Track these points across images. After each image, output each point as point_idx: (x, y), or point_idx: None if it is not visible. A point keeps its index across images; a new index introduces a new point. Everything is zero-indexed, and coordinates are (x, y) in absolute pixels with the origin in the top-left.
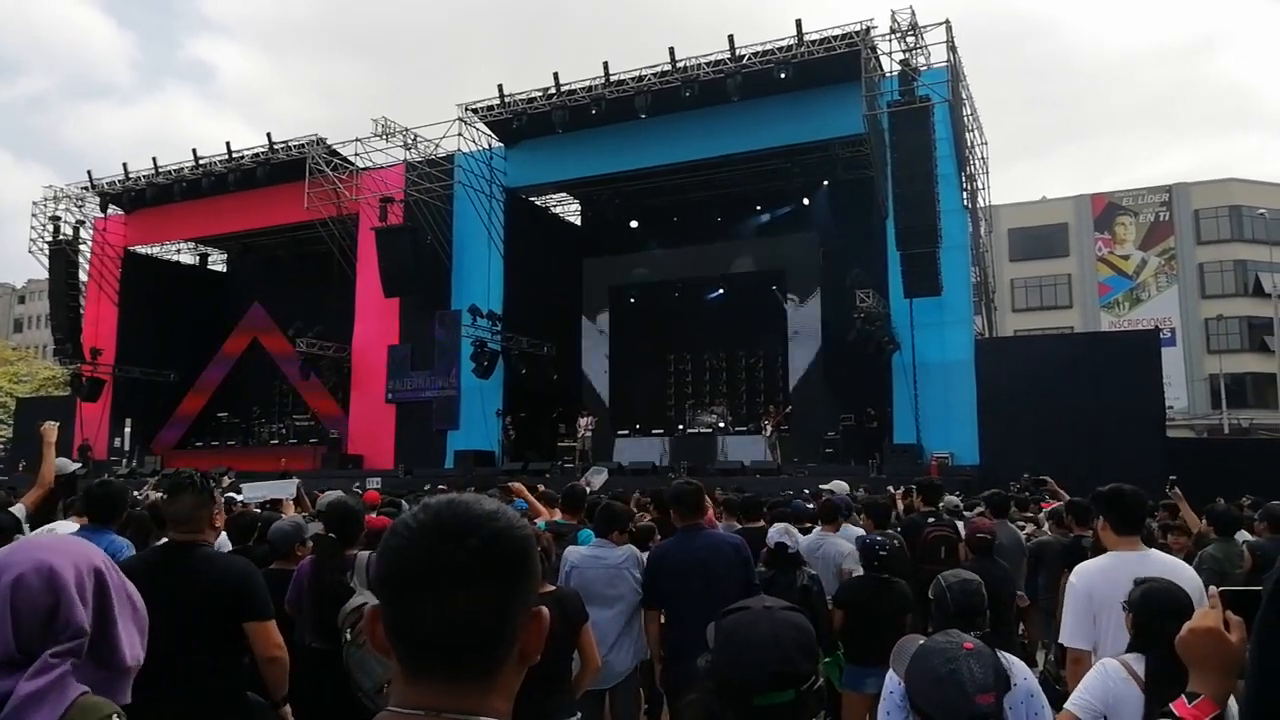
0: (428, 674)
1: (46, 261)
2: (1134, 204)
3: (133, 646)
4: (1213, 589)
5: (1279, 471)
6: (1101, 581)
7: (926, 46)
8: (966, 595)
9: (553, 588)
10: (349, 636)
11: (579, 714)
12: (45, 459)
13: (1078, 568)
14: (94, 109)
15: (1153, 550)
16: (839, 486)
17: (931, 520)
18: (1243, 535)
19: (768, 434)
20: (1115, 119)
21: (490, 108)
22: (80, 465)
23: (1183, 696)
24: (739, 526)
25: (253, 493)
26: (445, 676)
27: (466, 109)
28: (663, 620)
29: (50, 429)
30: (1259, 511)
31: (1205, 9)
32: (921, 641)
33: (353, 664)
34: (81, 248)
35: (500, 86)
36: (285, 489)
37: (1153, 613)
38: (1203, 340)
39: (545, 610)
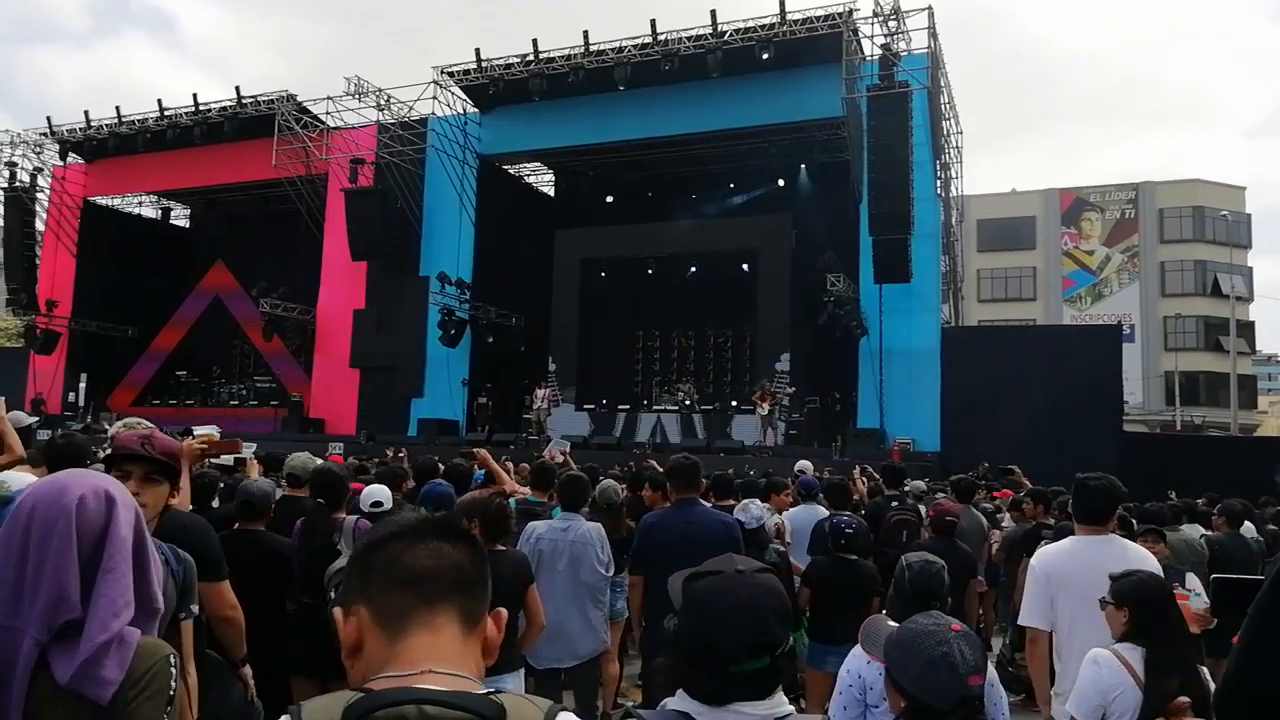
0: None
1: (1, 209)
2: (1101, 200)
3: (159, 587)
4: None
5: (1227, 467)
6: (1062, 564)
7: (908, 32)
8: (926, 577)
9: (503, 547)
10: (332, 595)
11: (522, 669)
12: (6, 433)
13: (1039, 551)
14: (46, 53)
15: (1116, 537)
16: (805, 466)
17: (895, 504)
18: (1196, 530)
19: (764, 413)
20: (1075, 110)
21: (466, 72)
22: (36, 419)
23: None
24: (710, 504)
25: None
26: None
27: (442, 72)
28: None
29: None
30: (1216, 507)
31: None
32: (896, 624)
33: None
34: (39, 196)
35: (477, 51)
36: (248, 451)
37: (1149, 604)
38: (1160, 337)
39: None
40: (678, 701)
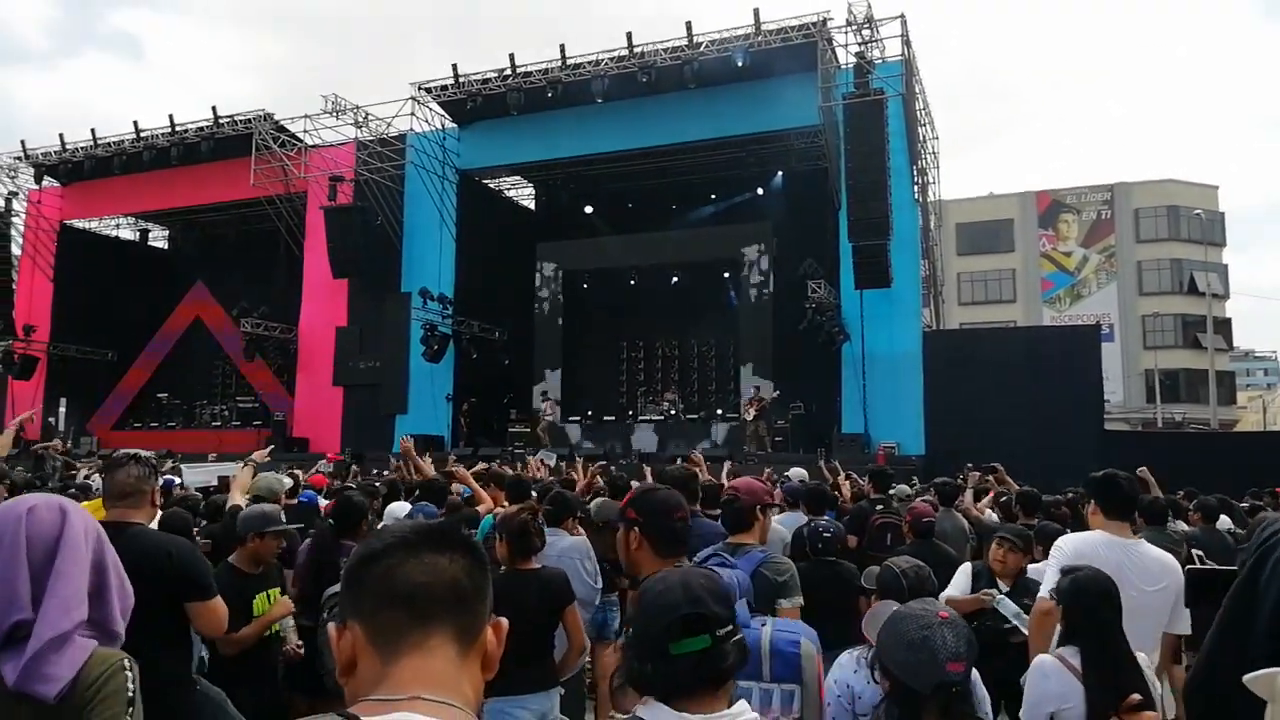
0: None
1: None
2: (1077, 202)
3: (123, 616)
4: None
5: (1208, 463)
6: (1088, 550)
7: (881, 40)
8: (921, 580)
9: (538, 566)
10: (325, 615)
11: (561, 690)
12: None
13: (1069, 535)
14: (10, 76)
15: (1142, 540)
16: (798, 474)
17: (880, 508)
18: (1179, 525)
19: (750, 419)
20: (1051, 112)
21: (444, 87)
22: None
23: None
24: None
25: (194, 476)
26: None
27: (420, 88)
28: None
29: None
30: (1193, 503)
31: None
32: (896, 608)
33: (322, 642)
34: (14, 220)
35: (455, 66)
36: (232, 470)
37: (1084, 602)
38: (1139, 336)
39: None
40: (643, 710)
